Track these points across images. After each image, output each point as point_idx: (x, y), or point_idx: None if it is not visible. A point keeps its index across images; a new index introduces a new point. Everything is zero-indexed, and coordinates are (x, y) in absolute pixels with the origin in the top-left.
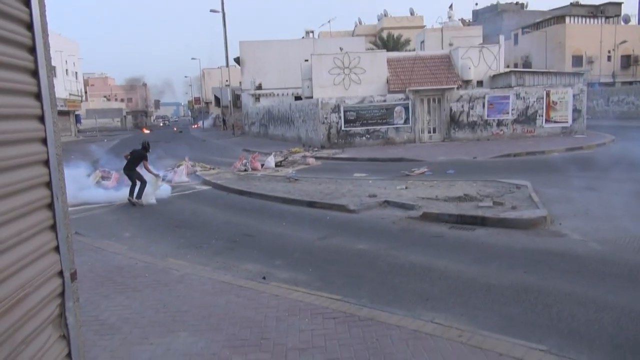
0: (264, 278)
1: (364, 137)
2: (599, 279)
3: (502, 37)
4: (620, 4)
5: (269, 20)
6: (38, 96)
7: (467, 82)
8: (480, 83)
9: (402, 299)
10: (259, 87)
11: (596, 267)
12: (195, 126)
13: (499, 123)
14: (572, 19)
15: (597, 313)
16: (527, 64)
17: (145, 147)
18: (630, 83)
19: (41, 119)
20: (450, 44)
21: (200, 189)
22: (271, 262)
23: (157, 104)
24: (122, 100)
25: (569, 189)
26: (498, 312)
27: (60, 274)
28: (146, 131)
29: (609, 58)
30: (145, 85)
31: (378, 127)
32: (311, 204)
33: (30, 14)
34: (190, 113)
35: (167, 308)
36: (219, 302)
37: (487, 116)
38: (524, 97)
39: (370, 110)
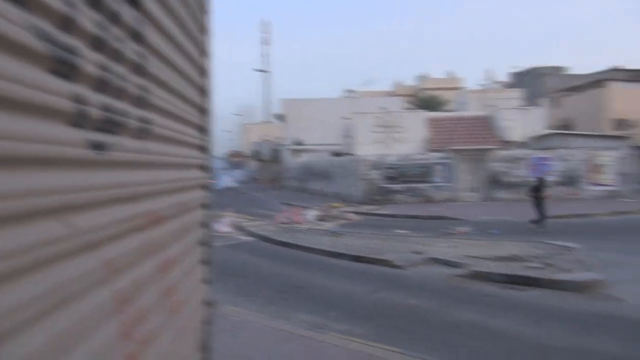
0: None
1: (403, 195)
2: None
3: (543, 99)
4: None
5: (307, 78)
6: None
7: (508, 143)
8: (521, 144)
9: (461, 357)
10: (300, 143)
11: None
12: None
13: None
14: (613, 83)
15: None
16: (568, 126)
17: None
18: None
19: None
20: (491, 106)
21: (246, 239)
22: (325, 314)
23: None
24: None
25: (622, 253)
26: None
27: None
28: None
29: None
30: None
31: (418, 185)
32: (357, 258)
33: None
34: (227, 166)
35: (234, 352)
36: (284, 350)
37: (530, 177)
38: (567, 159)
39: (411, 168)
